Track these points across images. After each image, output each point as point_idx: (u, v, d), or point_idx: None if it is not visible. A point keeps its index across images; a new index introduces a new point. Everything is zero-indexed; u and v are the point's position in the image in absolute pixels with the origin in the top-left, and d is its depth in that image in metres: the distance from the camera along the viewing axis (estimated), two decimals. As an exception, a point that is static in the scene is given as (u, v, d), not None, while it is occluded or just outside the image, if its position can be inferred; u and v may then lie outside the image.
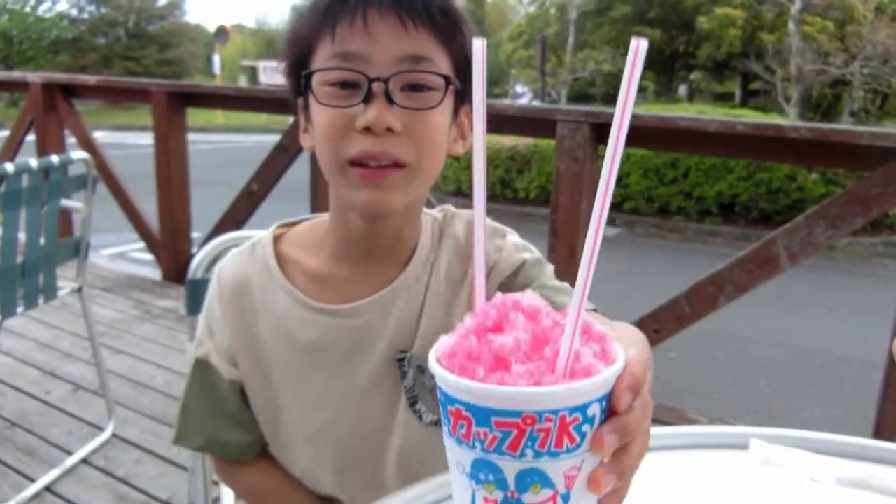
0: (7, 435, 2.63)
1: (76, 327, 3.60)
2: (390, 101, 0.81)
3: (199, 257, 1.33)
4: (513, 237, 0.98)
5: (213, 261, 1.35)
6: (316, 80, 0.83)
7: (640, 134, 3.07)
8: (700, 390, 4.51)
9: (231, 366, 0.97)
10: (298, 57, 0.87)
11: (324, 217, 0.98)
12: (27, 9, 29.96)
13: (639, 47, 0.45)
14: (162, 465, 2.48)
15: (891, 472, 0.91)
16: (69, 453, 2.51)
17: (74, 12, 32.51)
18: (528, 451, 0.43)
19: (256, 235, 1.01)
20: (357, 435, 0.96)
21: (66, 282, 2.58)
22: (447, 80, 0.84)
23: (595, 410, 0.45)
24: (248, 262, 0.97)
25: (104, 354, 3.00)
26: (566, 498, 0.45)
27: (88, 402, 2.91)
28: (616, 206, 10.76)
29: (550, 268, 0.97)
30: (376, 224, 0.90)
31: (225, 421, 0.98)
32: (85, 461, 2.48)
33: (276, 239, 0.98)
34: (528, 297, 0.49)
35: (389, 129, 0.80)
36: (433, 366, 0.47)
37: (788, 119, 19.21)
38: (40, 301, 2.42)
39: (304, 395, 0.96)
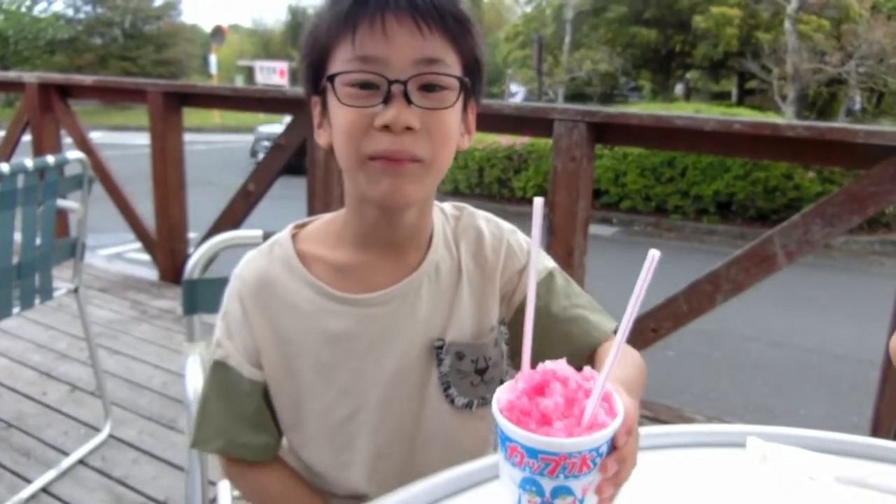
0: (3, 436, 2.62)
1: (73, 328, 3.59)
2: (408, 101, 0.85)
3: (195, 258, 1.33)
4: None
5: (209, 261, 1.35)
6: (337, 82, 0.87)
7: (636, 133, 3.07)
8: (698, 389, 4.51)
9: (252, 366, 0.98)
10: (317, 59, 0.91)
11: (336, 214, 1.02)
12: (23, 9, 29.90)
13: (654, 258, 0.64)
14: (159, 465, 2.47)
15: (888, 470, 0.91)
16: (66, 454, 2.50)
17: (70, 12, 32.54)
18: (561, 475, 0.65)
19: (273, 237, 1.02)
20: (386, 422, 0.99)
21: (62, 282, 2.57)
22: (461, 81, 0.89)
23: (604, 449, 0.67)
24: (268, 261, 0.99)
25: (101, 355, 2.99)
26: (581, 501, 0.67)
27: (85, 402, 2.90)
28: (613, 206, 10.77)
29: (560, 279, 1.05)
30: (393, 215, 0.94)
31: (244, 422, 0.99)
32: (81, 462, 2.47)
33: (293, 238, 1.00)
34: (561, 367, 0.69)
35: (408, 128, 0.85)
36: (498, 415, 0.66)
37: (785, 118, 19.23)
38: (36, 302, 2.41)
39: (331, 386, 0.98)
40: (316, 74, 0.92)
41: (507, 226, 1.07)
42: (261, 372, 0.99)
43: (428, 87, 0.87)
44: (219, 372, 0.99)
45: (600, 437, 0.65)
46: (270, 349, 0.98)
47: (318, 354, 0.97)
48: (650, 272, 0.65)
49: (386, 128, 0.84)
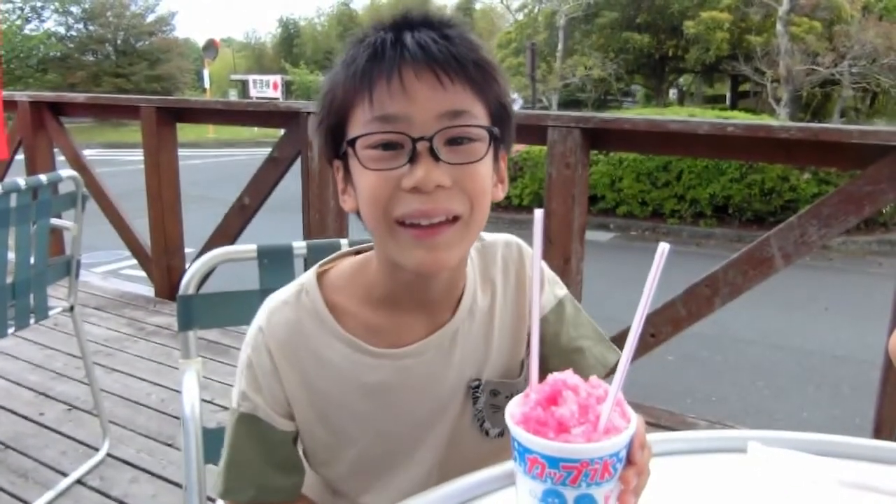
0: (0, 458, 2.60)
1: (69, 347, 3.57)
2: (436, 157, 0.80)
3: (190, 273, 1.32)
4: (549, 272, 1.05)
5: (205, 276, 1.33)
6: (358, 145, 0.83)
7: (631, 138, 3.07)
8: (698, 393, 4.51)
9: (283, 417, 0.96)
10: (335, 122, 0.86)
11: (364, 262, 0.97)
12: (14, 27, 29.94)
13: (663, 252, 0.65)
14: (158, 483, 2.46)
15: (891, 472, 0.90)
16: (64, 475, 2.48)
17: (62, 30, 32.54)
18: (583, 483, 0.65)
19: (298, 280, 0.98)
20: (420, 455, 0.99)
21: (57, 301, 2.56)
22: (489, 131, 0.84)
23: (623, 454, 0.67)
24: (297, 311, 0.94)
25: (98, 373, 2.97)
26: None
27: (83, 422, 2.88)
28: (609, 211, 10.79)
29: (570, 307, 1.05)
30: (428, 279, 0.91)
31: (277, 468, 0.97)
32: (80, 482, 2.45)
33: (321, 284, 0.96)
34: (569, 376, 0.70)
35: (439, 185, 0.81)
36: (514, 428, 0.66)
37: (779, 120, 19.28)
38: (32, 321, 2.40)
39: (367, 432, 0.97)
40: (335, 138, 0.87)
41: (526, 251, 1.03)
42: (292, 423, 0.96)
43: (455, 141, 0.82)
44: (248, 424, 0.95)
45: (620, 441, 0.65)
46: (302, 400, 0.95)
47: (354, 405, 0.95)
48: (660, 266, 0.66)
49: (415, 189, 0.80)
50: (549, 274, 1.04)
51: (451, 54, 0.81)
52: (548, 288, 1.02)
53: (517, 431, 0.66)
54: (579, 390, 0.69)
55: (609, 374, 0.99)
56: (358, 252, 1.00)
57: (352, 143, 0.83)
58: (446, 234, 0.83)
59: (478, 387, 0.98)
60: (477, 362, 0.98)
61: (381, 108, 0.80)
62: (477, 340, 0.98)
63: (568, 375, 0.70)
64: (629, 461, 0.68)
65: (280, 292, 0.97)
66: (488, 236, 1.03)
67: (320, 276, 0.97)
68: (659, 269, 0.66)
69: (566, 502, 0.66)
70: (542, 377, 0.72)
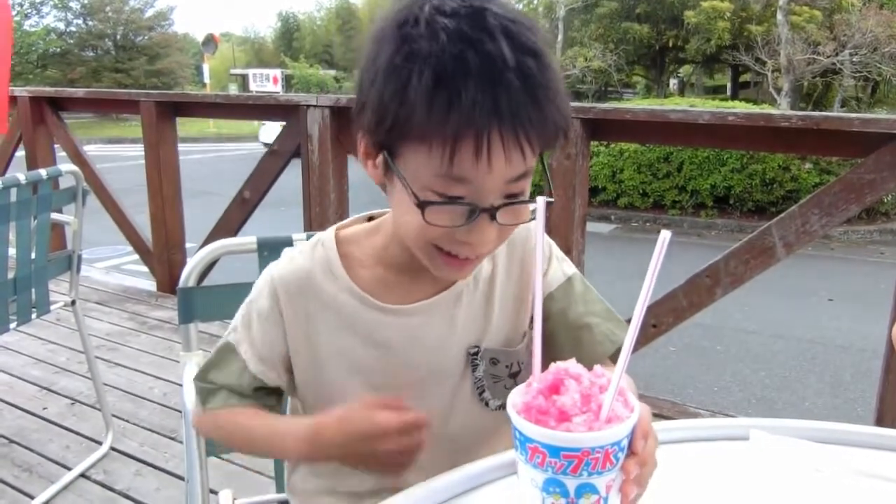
0: (4, 452, 2.61)
1: (71, 341, 3.58)
2: (492, 218, 0.82)
3: (190, 266, 1.32)
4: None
5: (205, 269, 1.34)
6: (416, 184, 0.80)
7: (631, 128, 3.06)
8: (700, 384, 4.51)
9: (260, 363, 0.99)
10: (393, 121, 0.79)
11: (377, 227, 0.99)
12: (13, 24, 29.85)
13: (665, 240, 0.65)
14: (161, 477, 2.46)
15: (894, 459, 0.90)
16: (68, 468, 2.49)
17: (62, 26, 32.48)
18: (584, 472, 0.65)
19: (315, 237, 1.01)
20: (418, 406, 0.99)
21: (59, 296, 2.56)
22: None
23: (625, 443, 0.67)
24: (310, 261, 0.98)
25: (100, 368, 2.98)
26: (606, 500, 0.67)
27: (86, 416, 2.89)
28: (610, 203, 10.78)
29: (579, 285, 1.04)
30: None
31: (241, 399, 1.01)
32: (84, 476, 2.46)
33: (336, 240, 0.99)
34: (573, 365, 0.70)
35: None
36: (515, 417, 0.66)
37: (780, 110, 19.23)
38: (34, 316, 2.40)
39: (363, 385, 0.98)
40: (383, 138, 0.82)
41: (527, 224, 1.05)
42: (267, 373, 0.99)
43: (511, 199, 0.82)
44: (226, 353, 1.00)
45: (621, 430, 0.65)
46: (302, 346, 0.98)
47: (353, 356, 0.97)
48: (662, 254, 0.65)
49: (466, 242, 0.83)
50: (559, 253, 1.05)
51: (542, 125, 0.78)
52: (556, 265, 1.02)
53: (518, 421, 0.66)
54: (582, 379, 0.68)
55: (618, 351, 0.99)
56: (370, 218, 1.03)
57: (409, 182, 0.81)
58: (474, 264, 0.90)
59: (476, 353, 0.98)
60: (477, 330, 0.99)
61: (460, 171, 0.77)
62: (478, 307, 0.99)
63: (571, 364, 0.70)
64: (631, 451, 0.68)
65: (297, 245, 1.02)
66: None
67: (339, 235, 1.00)
68: (661, 257, 0.65)
69: (567, 491, 0.65)
70: (548, 353, 0.72)
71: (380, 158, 0.86)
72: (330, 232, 1.00)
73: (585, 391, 0.67)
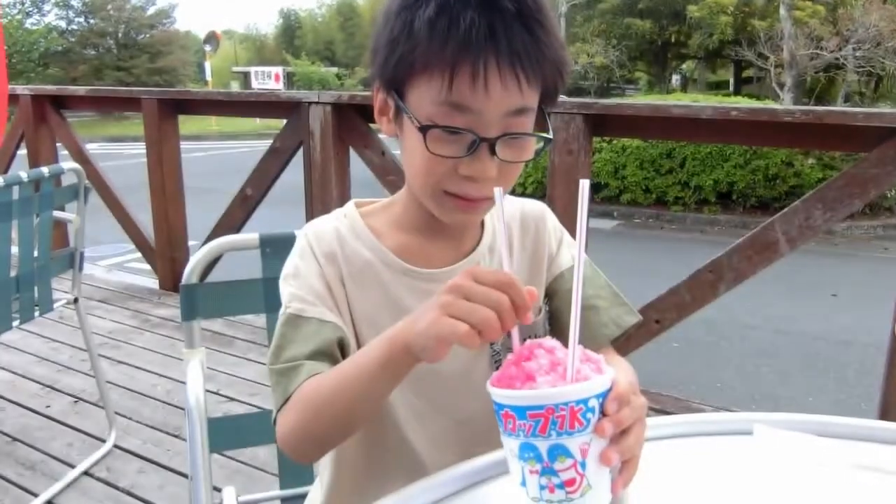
0: (8, 450, 2.62)
1: (74, 339, 3.58)
2: (492, 151, 0.85)
3: (192, 263, 1.31)
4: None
5: (208, 266, 1.33)
6: (420, 115, 0.86)
7: (633, 124, 3.05)
8: (703, 380, 4.50)
9: (331, 311, 0.94)
10: (398, 63, 0.87)
11: (392, 201, 1.04)
12: (15, 22, 29.89)
13: (584, 188, 0.70)
14: (165, 474, 2.47)
15: (899, 454, 0.89)
16: (71, 466, 2.49)
17: (63, 24, 32.53)
18: (553, 433, 0.64)
19: (336, 210, 1.03)
20: (429, 392, 1.00)
21: (61, 294, 2.56)
22: (542, 135, 0.90)
23: (594, 404, 0.66)
24: (339, 224, 1.00)
25: (103, 365, 2.98)
26: (583, 465, 0.66)
27: (89, 413, 2.89)
28: (613, 199, 10.77)
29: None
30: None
31: (327, 358, 0.92)
32: (87, 473, 2.46)
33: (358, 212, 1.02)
34: (548, 340, 0.71)
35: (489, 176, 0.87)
36: (488, 387, 0.68)
37: (783, 105, 19.17)
38: (36, 314, 2.41)
39: None
40: (392, 74, 0.88)
41: (550, 212, 1.11)
42: (340, 318, 0.95)
43: (512, 136, 0.86)
44: (292, 325, 0.93)
45: (586, 387, 0.65)
46: (343, 305, 0.98)
47: (377, 317, 0.97)
48: (584, 202, 0.70)
49: (469, 177, 0.86)
50: (569, 238, 1.10)
51: (537, 58, 0.83)
52: (566, 249, 1.08)
53: (490, 390, 0.68)
54: (555, 351, 0.69)
55: (622, 335, 1.03)
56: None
57: (412, 115, 0.86)
58: (484, 206, 0.92)
59: None
60: None
61: (459, 96, 0.82)
62: None
63: (545, 340, 0.71)
64: (603, 413, 0.67)
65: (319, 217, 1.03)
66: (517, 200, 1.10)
67: (360, 208, 1.03)
68: (584, 206, 0.70)
69: (541, 455, 0.65)
70: (555, 332, 0.76)
71: (391, 106, 0.92)
72: (350, 205, 1.03)
73: (556, 360, 0.68)
